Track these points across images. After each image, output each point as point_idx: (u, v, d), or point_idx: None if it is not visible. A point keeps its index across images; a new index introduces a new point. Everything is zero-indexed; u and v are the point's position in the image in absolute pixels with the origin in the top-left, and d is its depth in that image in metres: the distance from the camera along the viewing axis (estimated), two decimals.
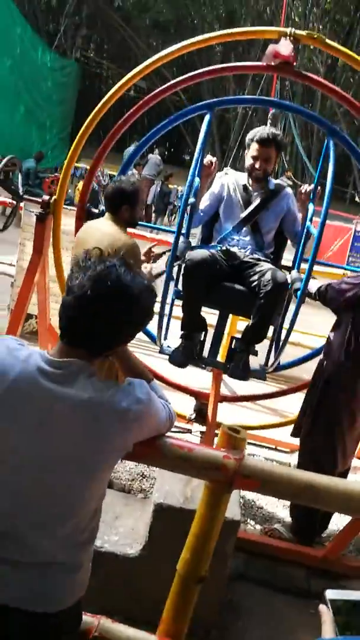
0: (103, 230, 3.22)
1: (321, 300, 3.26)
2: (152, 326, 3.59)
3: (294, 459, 4.38)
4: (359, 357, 3.16)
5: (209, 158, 3.62)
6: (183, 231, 3.42)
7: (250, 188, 3.66)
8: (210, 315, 3.71)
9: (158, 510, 2.68)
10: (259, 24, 17.58)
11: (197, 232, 4.03)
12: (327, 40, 3.27)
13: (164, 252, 3.68)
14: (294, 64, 3.33)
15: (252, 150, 3.55)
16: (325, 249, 10.81)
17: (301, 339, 5.72)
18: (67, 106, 18.23)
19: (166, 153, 17.07)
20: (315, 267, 3.39)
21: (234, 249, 3.55)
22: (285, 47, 3.17)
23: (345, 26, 20.01)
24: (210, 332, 3.72)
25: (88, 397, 1.45)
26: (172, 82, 3.90)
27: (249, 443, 4.67)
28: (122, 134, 4.04)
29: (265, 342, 3.66)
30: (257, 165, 3.56)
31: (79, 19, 18.51)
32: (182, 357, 3.48)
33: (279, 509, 3.91)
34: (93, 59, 21.83)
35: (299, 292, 3.19)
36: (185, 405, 4.16)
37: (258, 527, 3.67)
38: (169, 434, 1.74)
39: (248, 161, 3.62)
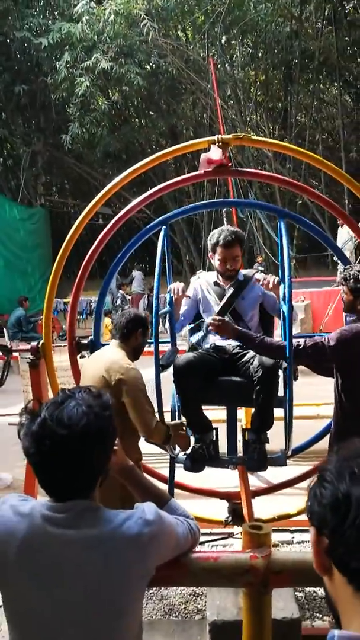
0: (108, 357, 3.29)
1: (301, 358, 3.24)
2: None
3: None
4: (354, 417, 3.16)
5: (175, 286, 3.70)
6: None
7: (221, 284, 3.80)
8: (221, 411, 3.73)
9: (214, 629, 2.58)
10: (200, 131, 18.80)
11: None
12: (253, 137, 3.52)
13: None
14: (229, 164, 3.57)
15: (219, 254, 3.72)
16: (319, 317, 10.89)
17: (321, 411, 5.67)
18: (43, 249, 19.08)
19: (147, 266, 17.74)
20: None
21: (222, 343, 3.63)
22: (215, 153, 3.41)
23: (281, 111, 21.40)
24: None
25: (98, 532, 1.45)
26: (128, 206, 4.14)
27: (296, 530, 4.51)
28: (103, 260, 4.24)
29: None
30: (228, 267, 3.73)
31: (36, 169, 19.82)
32: (194, 461, 3.46)
33: None
34: (57, 201, 23.13)
35: (287, 372, 3.22)
36: (220, 509, 4.06)
37: (327, 618, 3.47)
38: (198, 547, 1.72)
39: (217, 263, 3.77)
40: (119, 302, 14.86)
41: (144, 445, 3.45)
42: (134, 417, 3.18)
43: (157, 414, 3.27)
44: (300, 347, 3.16)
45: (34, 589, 1.42)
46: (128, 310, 3.57)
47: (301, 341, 3.22)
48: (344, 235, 12.89)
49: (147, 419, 3.20)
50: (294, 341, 3.17)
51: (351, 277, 3.30)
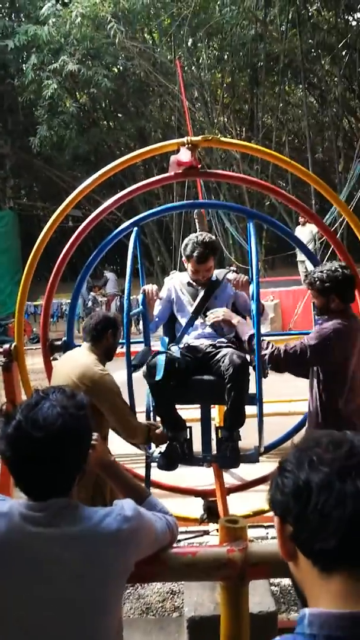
0: (79, 361, 3.28)
1: (280, 366, 3.27)
2: None
3: None
4: (332, 414, 3.22)
5: (149, 288, 3.76)
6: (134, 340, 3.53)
7: (194, 284, 3.85)
8: (196, 410, 3.77)
9: (192, 624, 2.60)
10: (168, 133, 18.82)
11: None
12: (221, 139, 3.57)
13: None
14: (198, 166, 3.61)
15: (192, 266, 3.76)
16: (289, 316, 11.00)
17: (294, 407, 5.74)
18: (13, 252, 18.87)
19: (119, 268, 17.70)
20: (283, 337, 3.50)
21: (195, 343, 3.68)
22: (184, 155, 3.45)
23: (247, 113, 21.56)
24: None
25: (77, 529, 1.47)
26: (99, 209, 4.16)
27: (270, 526, 4.57)
28: (73, 262, 4.24)
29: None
30: (200, 277, 3.78)
31: (4, 172, 19.59)
32: (168, 460, 3.49)
33: None
34: (26, 204, 22.89)
35: (256, 369, 3.28)
36: (195, 507, 4.10)
37: None
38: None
39: (190, 272, 3.81)
40: (90, 304, 14.81)
41: (120, 446, 3.47)
42: (115, 422, 3.19)
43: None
44: (282, 357, 3.17)
45: (13, 587, 1.43)
46: (97, 312, 3.54)
47: (281, 347, 3.23)
48: (306, 235, 13.05)
49: (129, 423, 3.22)
50: (278, 347, 3.20)
51: (316, 280, 3.33)
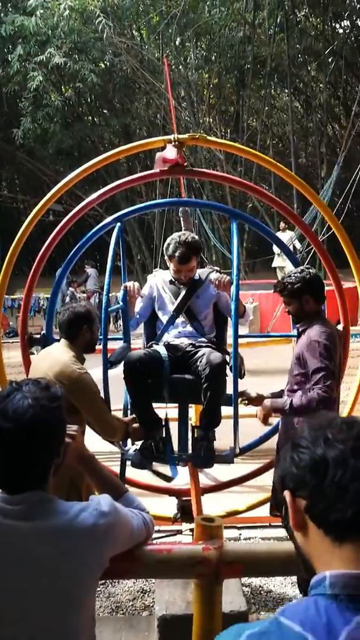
0: (56, 358, 3.18)
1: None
2: None
3: None
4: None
5: (131, 285, 3.72)
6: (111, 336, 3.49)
7: (176, 282, 3.84)
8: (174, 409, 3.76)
9: (162, 623, 2.60)
10: (153, 131, 18.78)
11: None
12: (208, 138, 3.57)
13: None
14: (184, 164, 3.61)
15: (174, 265, 3.73)
16: (267, 320, 11.05)
17: None
18: None
19: (99, 265, 17.62)
20: (261, 339, 3.51)
21: (175, 342, 3.67)
22: (171, 152, 3.44)
23: (233, 115, 21.65)
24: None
25: (53, 524, 1.45)
26: (82, 204, 4.13)
27: (244, 527, 4.59)
28: (51, 257, 4.20)
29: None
30: (182, 277, 3.77)
31: None
32: (143, 458, 3.48)
33: (288, 588, 3.80)
34: (7, 196, 22.69)
35: (232, 368, 3.28)
36: (170, 507, 4.08)
37: (271, 614, 3.54)
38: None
39: (172, 271, 3.79)
40: (67, 299, 14.71)
41: (95, 442, 3.44)
42: (93, 421, 3.16)
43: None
44: (316, 405, 3.03)
45: None
46: (67, 307, 3.38)
47: (310, 397, 3.09)
48: (285, 241, 13.22)
49: (107, 422, 3.18)
50: (307, 399, 3.09)
51: (286, 284, 3.33)
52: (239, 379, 3.52)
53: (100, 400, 3.19)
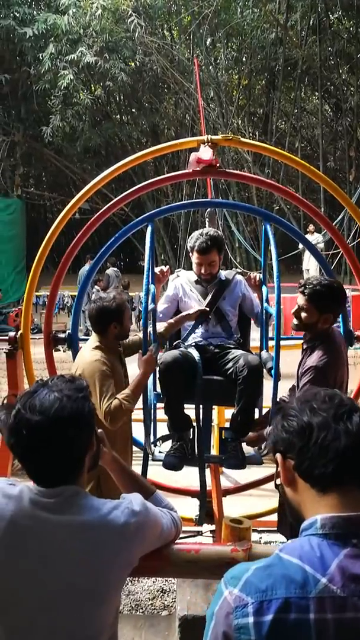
0: (82, 349, 3.30)
1: None
2: (139, 434, 3.63)
3: None
4: None
5: (160, 268, 3.79)
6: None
7: (202, 282, 3.83)
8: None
9: (184, 624, 2.59)
10: (181, 131, 18.83)
11: None
12: (242, 139, 3.56)
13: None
14: (217, 165, 3.60)
15: (195, 258, 3.74)
16: (291, 322, 10.98)
17: None
18: (17, 241, 18.77)
19: (122, 264, 17.67)
20: (283, 343, 3.47)
21: (203, 342, 3.66)
22: (205, 153, 3.43)
23: (262, 117, 21.54)
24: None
25: (86, 519, 1.46)
26: (112, 202, 4.13)
27: (263, 531, 4.56)
28: (76, 255, 4.22)
29: None
30: (203, 271, 3.76)
31: (14, 160, 19.51)
32: (176, 459, 3.47)
33: None
34: (34, 193, 22.81)
35: (272, 370, 3.24)
36: (191, 508, 4.08)
37: None
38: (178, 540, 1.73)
39: (195, 266, 3.80)
40: (93, 297, 14.77)
41: None
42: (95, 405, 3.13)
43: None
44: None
45: (17, 570, 1.43)
46: (98, 299, 3.32)
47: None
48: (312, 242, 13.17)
49: (102, 410, 3.02)
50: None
51: (317, 294, 3.11)
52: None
53: (103, 385, 3.07)
